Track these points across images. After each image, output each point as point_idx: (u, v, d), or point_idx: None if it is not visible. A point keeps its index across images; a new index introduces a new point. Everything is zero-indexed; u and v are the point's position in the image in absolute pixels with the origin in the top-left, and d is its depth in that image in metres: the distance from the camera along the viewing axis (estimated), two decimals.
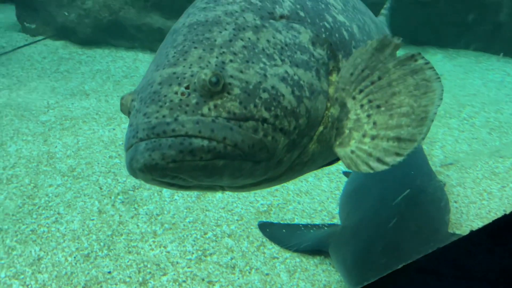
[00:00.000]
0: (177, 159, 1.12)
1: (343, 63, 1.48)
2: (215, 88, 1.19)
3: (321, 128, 1.38)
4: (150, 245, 2.87)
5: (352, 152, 1.38)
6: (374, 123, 1.37)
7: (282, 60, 1.32)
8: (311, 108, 1.32)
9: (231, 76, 1.23)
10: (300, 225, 2.84)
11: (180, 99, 1.19)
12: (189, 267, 2.64)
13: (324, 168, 3.59)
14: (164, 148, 1.12)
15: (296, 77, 1.31)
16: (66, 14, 7.38)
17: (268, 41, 1.34)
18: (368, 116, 1.38)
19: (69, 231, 3.03)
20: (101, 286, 2.56)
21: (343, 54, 1.50)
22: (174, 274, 2.59)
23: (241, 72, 1.25)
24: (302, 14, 1.46)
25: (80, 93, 5.33)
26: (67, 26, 7.33)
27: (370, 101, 1.39)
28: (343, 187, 2.93)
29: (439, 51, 7.01)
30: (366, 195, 2.49)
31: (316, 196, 3.20)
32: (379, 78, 1.40)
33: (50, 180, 3.62)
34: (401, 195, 2.41)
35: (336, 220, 2.93)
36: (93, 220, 3.12)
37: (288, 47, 1.36)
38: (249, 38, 1.32)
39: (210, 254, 2.72)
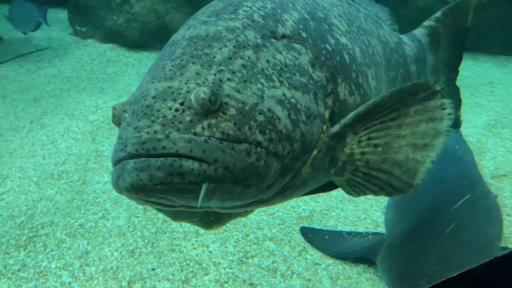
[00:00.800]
0: (165, 182, 1.07)
1: (341, 87, 1.44)
2: (211, 107, 1.15)
3: (315, 152, 1.34)
4: (193, 244, 2.90)
5: (348, 181, 1.39)
6: (367, 162, 1.36)
7: (281, 82, 1.29)
8: (307, 133, 1.28)
9: (228, 96, 1.19)
10: (343, 232, 2.79)
11: (174, 115, 1.14)
12: (230, 268, 2.65)
13: None
14: (153, 169, 1.07)
15: (293, 100, 1.27)
16: (115, 18, 7.65)
17: (267, 61, 1.31)
18: (362, 153, 1.37)
19: (115, 227, 3.12)
20: (145, 282, 2.61)
21: (343, 77, 1.46)
22: (216, 275, 2.61)
23: (238, 92, 1.21)
24: (304, 34, 1.42)
25: (127, 95, 5.50)
26: (116, 30, 7.59)
27: (369, 139, 1.36)
28: None
29: (489, 58, 6.75)
30: (415, 204, 2.42)
31: (360, 203, 3.15)
32: (392, 119, 1.35)
33: (98, 177, 3.74)
34: (451, 205, 2.33)
35: (381, 229, 2.86)
36: (138, 217, 3.20)
37: (288, 68, 1.32)
38: (248, 57, 1.29)
39: (252, 257, 2.72)
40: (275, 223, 2.99)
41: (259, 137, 1.18)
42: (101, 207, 3.34)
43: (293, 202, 3.21)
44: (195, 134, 1.12)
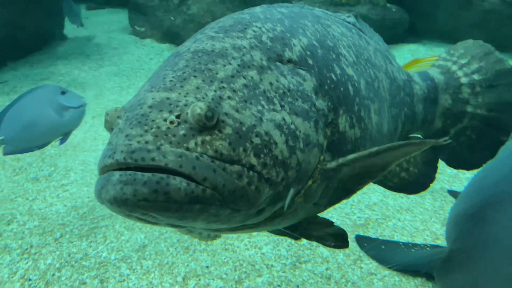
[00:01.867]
0: (150, 199, 1.03)
1: (342, 119, 1.40)
2: (208, 124, 1.11)
3: (310, 182, 1.29)
4: (246, 245, 2.93)
5: None
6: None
7: (282, 106, 1.25)
8: (303, 161, 1.23)
9: (226, 114, 1.15)
10: (401, 243, 2.71)
11: (168, 128, 1.10)
12: (283, 272, 2.65)
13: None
14: (138, 184, 1.03)
15: (293, 126, 1.23)
16: (173, 18, 7.87)
17: (271, 83, 1.27)
18: None
19: None
20: (199, 279, 2.66)
21: (345, 109, 1.41)
22: (269, 277, 2.62)
23: (237, 111, 1.17)
24: (310, 61, 1.39)
25: None
26: (173, 30, 7.81)
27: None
28: (451, 207, 2.75)
29: None
30: (483, 218, 2.31)
31: (418, 214, 3.05)
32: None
33: None
34: None
35: (440, 242, 2.76)
36: None
37: (290, 93, 1.28)
38: (252, 77, 1.25)
39: (305, 262, 2.71)
40: None
41: (253, 160, 1.13)
42: None
43: (347, 209, 3.16)
44: (187, 149, 1.08)
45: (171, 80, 1.22)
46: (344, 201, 1.50)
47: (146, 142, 1.07)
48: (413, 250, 2.63)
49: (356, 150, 1.45)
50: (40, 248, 3.00)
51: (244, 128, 1.15)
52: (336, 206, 3.21)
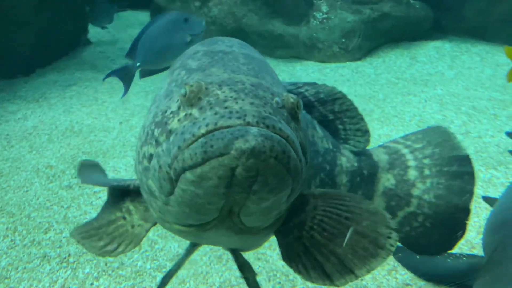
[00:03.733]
0: (279, 157, 1.11)
1: None
2: (297, 113, 1.26)
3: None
4: (278, 255, 2.93)
5: (288, 245, 1.50)
6: (312, 237, 1.48)
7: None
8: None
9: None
10: None
11: (275, 106, 1.22)
12: None
13: None
14: (275, 141, 1.11)
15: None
16: None
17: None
18: (311, 228, 1.48)
19: None
20: None
21: None
22: None
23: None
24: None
25: None
26: None
27: (321, 221, 1.47)
28: (488, 215, 2.71)
29: None
30: None
31: None
32: (346, 218, 1.47)
33: None
34: None
35: (476, 251, 2.72)
36: None
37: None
38: None
39: None
40: None
41: (307, 156, 1.33)
42: None
43: None
44: (291, 129, 1.21)
45: (248, 70, 1.36)
46: None
47: (270, 113, 1.17)
48: (448, 260, 2.61)
49: None
50: (77, 257, 3.09)
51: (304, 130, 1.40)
52: None
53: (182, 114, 1.24)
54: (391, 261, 2.73)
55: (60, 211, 3.65)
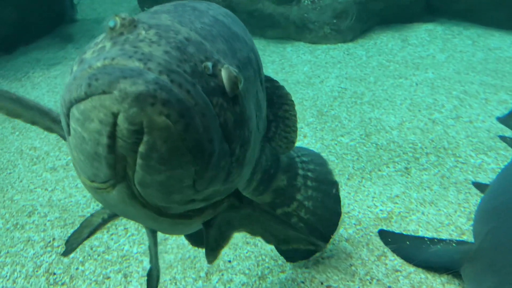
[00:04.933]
0: (172, 119, 0.97)
1: None
2: (234, 91, 1.12)
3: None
4: None
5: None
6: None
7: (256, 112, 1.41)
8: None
9: (241, 94, 1.20)
10: (426, 238, 2.68)
11: (203, 72, 1.08)
12: (307, 268, 2.63)
13: (451, 177, 3.34)
14: (173, 98, 0.97)
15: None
16: None
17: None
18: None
19: None
20: (222, 274, 2.67)
21: None
22: (293, 273, 2.61)
23: (246, 99, 1.26)
24: None
25: None
26: None
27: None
28: (479, 202, 2.70)
29: None
30: None
31: (442, 207, 3.00)
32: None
33: None
34: None
35: (466, 237, 2.72)
36: None
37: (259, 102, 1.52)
38: (251, 75, 1.42)
39: (328, 258, 2.69)
40: (351, 223, 2.93)
41: (237, 150, 1.19)
42: None
43: (369, 201, 3.12)
44: (211, 103, 1.07)
45: (201, 28, 1.21)
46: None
47: (185, 71, 1.04)
48: (438, 246, 2.60)
49: None
50: (62, 241, 3.02)
51: (245, 117, 1.21)
52: (358, 198, 3.17)
53: (99, 45, 1.14)
54: (380, 246, 2.72)
55: (44, 194, 3.56)
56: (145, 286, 2.53)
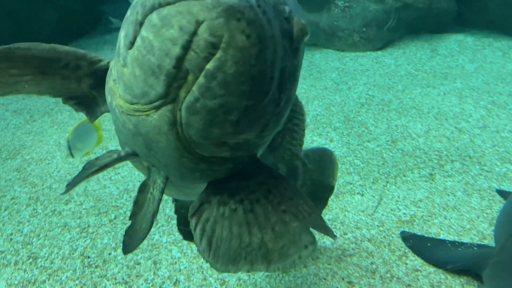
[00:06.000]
0: (251, 40, 0.97)
1: None
2: (299, 42, 1.12)
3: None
4: None
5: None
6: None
7: None
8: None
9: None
10: (447, 241, 2.72)
11: (281, 11, 1.08)
12: (329, 264, 2.72)
13: (475, 184, 3.37)
14: (257, 22, 0.98)
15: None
16: None
17: None
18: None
19: None
20: None
21: None
22: (315, 268, 2.70)
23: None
24: None
25: None
26: None
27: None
28: (502, 208, 2.73)
29: None
30: None
31: (465, 213, 3.04)
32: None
33: None
34: None
35: (487, 242, 2.75)
36: None
37: None
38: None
39: (350, 255, 2.77)
40: (374, 225, 3.00)
41: (282, 102, 1.18)
42: None
43: (393, 205, 3.18)
44: (281, 46, 1.07)
45: None
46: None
47: (269, 3, 1.05)
48: (459, 249, 2.64)
49: None
50: (96, 228, 3.20)
51: (297, 74, 1.25)
52: (382, 201, 3.23)
53: None
54: (402, 247, 2.78)
55: (80, 184, 3.76)
56: (173, 273, 2.66)
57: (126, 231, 1.65)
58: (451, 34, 6.58)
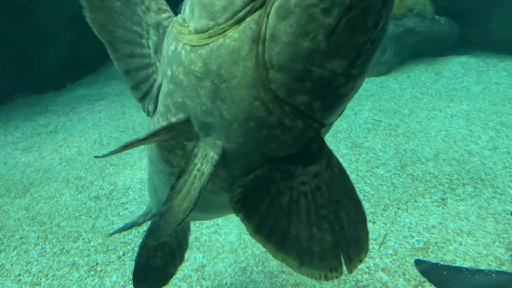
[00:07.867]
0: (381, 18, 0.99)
1: None
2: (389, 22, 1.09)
3: None
4: None
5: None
6: None
7: None
8: None
9: None
10: (463, 269, 2.64)
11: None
12: None
13: (489, 207, 3.30)
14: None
15: None
16: None
17: None
18: None
19: (227, 242, 3.27)
20: None
21: None
22: None
23: None
24: None
25: None
26: None
27: None
28: None
29: None
30: None
31: (480, 238, 2.96)
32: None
33: None
34: None
35: (506, 268, 2.66)
36: (248, 234, 3.32)
37: None
38: None
39: (364, 286, 2.69)
40: (387, 253, 2.93)
41: (362, 74, 1.14)
42: (213, 221, 3.53)
43: (405, 232, 3.11)
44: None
45: None
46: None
47: None
48: (477, 276, 2.55)
49: None
50: (105, 266, 3.16)
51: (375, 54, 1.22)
52: (394, 228, 3.17)
53: None
54: (417, 276, 2.70)
55: (88, 221, 3.75)
56: None
57: (161, 216, 1.48)
58: (454, 56, 6.61)
